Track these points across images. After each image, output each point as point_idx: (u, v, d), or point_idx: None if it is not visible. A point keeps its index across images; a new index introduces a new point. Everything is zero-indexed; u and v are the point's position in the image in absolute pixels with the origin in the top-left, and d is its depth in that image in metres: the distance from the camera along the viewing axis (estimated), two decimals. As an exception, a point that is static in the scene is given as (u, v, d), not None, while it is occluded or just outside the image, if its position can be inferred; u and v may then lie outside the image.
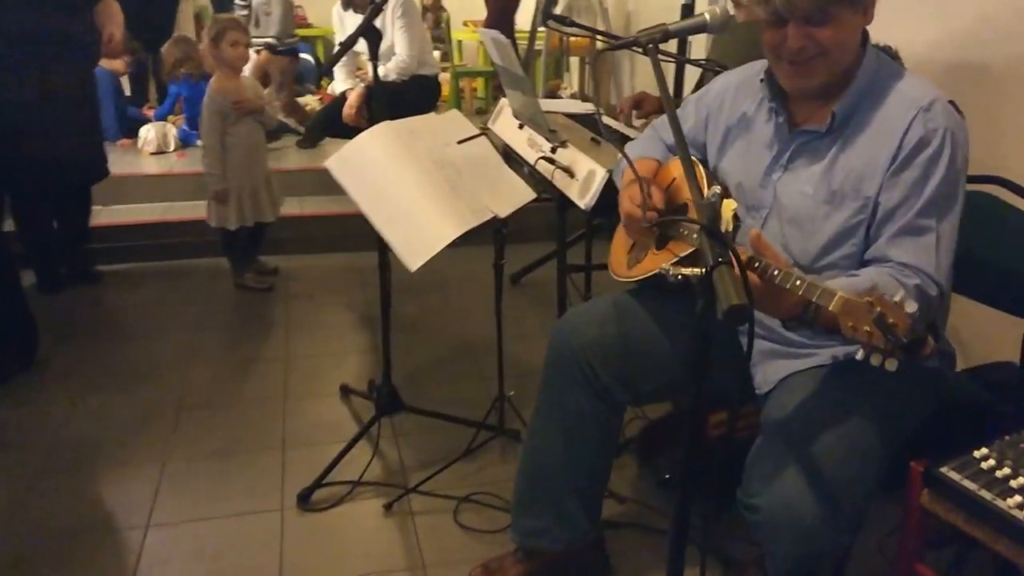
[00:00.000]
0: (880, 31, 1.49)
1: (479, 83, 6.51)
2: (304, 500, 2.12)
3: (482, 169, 2.01)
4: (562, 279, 2.33)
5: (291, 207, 3.94)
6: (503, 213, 1.96)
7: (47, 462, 2.31)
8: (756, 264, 1.18)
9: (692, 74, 3.22)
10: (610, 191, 2.01)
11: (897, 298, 1.00)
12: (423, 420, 2.42)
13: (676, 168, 1.65)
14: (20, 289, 2.86)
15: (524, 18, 5.41)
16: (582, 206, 2.05)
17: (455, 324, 3.22)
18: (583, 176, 2.11)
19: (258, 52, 4.94)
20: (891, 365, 0.98)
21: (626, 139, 2.35)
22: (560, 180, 2.20)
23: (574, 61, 6.18)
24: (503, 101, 2.86)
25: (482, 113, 5.94)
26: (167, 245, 3.85)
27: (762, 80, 1.53)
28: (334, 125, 3.99)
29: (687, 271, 0.90)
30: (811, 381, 1.43)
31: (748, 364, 1.03)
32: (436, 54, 5.77)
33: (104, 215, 3.93)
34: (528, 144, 2.51)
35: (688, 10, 3.46)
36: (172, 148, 4.65)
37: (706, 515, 2.01)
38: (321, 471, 2.18)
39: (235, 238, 3.44)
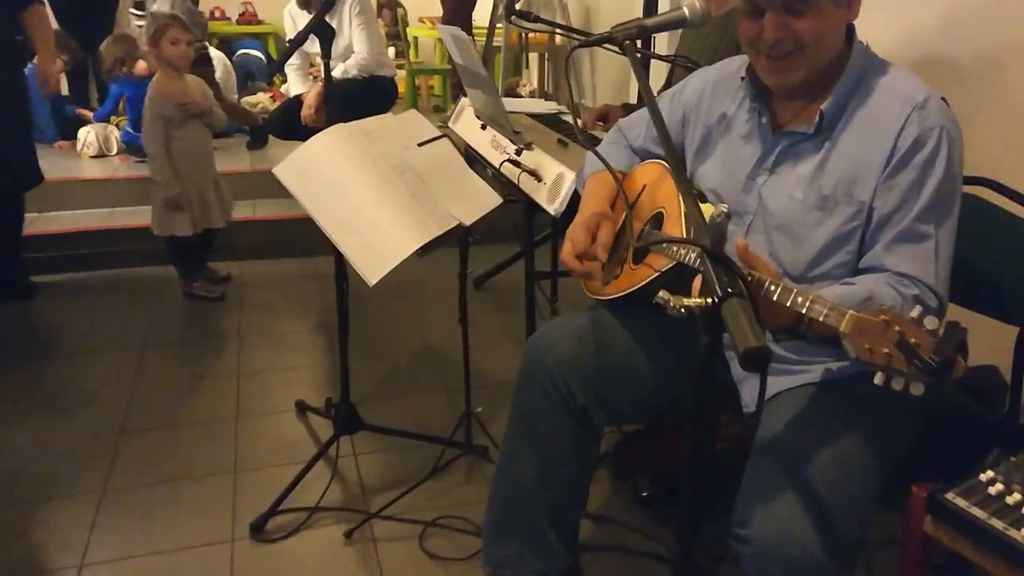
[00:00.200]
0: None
1: (436, 80, 6.36)
2: (257, 530, 1.97)
3: (445, 173, 1.88)
4: (530, 287, 2.21)
5: (243, 211, 3.77)
6: (468, 220, 1.83)
7: (-28, 497, 2.13)
8: (749, 279, 1.08)
9: (657, 71, 3.13)
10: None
11: (914, 314, 0.90)
12: (385, 439, 2.29)
13: (645, 174, 1.55)
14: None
15: (482, 14, 5.28)
16: (552, 212, 1.94)
17: (416, 333, 3.08)
18: (551, 180, 2.00)
19: None
20: (916, 390, 0.88)
21: (591, 142, 2.25)
22: (527, 184, 2.08)
23: (533, 58, 6.08)
24: (464, 100, 2.74)
25: (440, 111, 5.80)
26: (110, 253, 3.64)
27: (743, 78, 1.43)
28: (291, 127, 3.82)
29: (690, 302, 0.78)
30: (802, 400, 1.33)
31: (761, 406, 0.91)
32: (391, 51, 5.63)
33: (40, 223, 3.72)
34: (492, 145, 2.39)
35: (651, 4, 3.36)
36: (114, 151, 4.43)
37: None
38: (276, 497, 2.03)
39: (183, 246, 3.26)
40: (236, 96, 5.22)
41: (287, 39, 4.04)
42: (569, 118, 2.64)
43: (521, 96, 5.43)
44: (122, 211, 3.89)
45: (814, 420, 1.29)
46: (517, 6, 4.18)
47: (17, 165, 3.00)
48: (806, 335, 1.09)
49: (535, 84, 6.03)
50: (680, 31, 2.42)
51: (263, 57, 6.18)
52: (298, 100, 3.82)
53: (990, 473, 1.24)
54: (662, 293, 0.84)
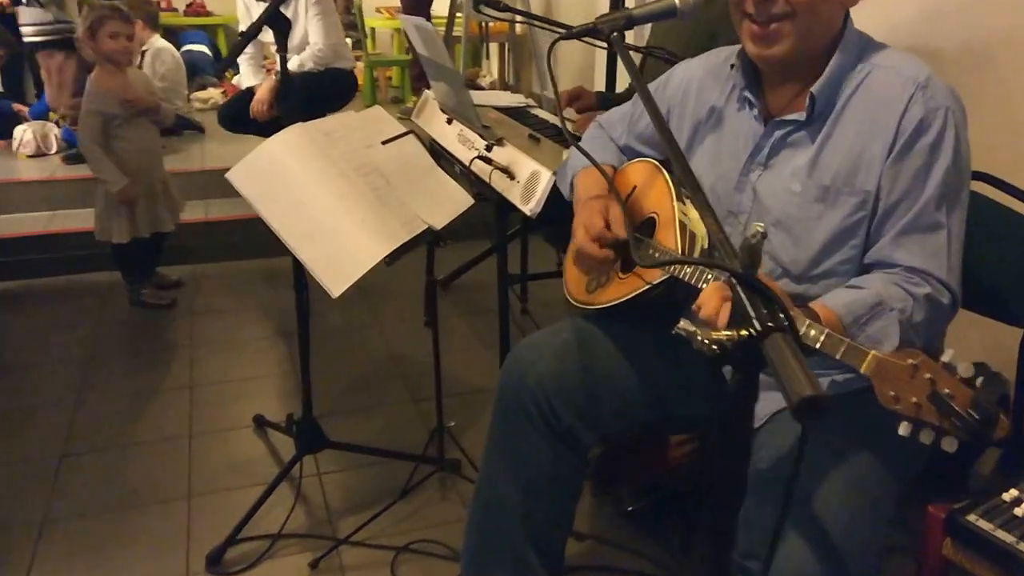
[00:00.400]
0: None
1: (394, 72, 6.19)
2: (215, 562, 1.82)
3: (411, 173, 1.75)
4: (503, 291, 2.09)
5: (194, 212, 3.58)
6: (438, 224, 1.70)
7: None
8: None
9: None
10: (560, 196, 1.79)
11: (945, 359, 0.80)
12: (351, 456, 2.15)
13: (635, 174, 1.43)
14: None
15: (441, 3, 5.13)
16: (527, 212, 1.81)
17: (381, 340, 2.93)
18: (525, 178, 1.87)
19: None
20: (949, 446, 0.79)
21: (576, 140, 2.13)
22: (499, 182, 1.96)
23: (493, 48, 5.94)
24: (427, 93, 2.60)
25: (398, 102, 5.63)
26: (50, 260, 3.42)
27: (733, 66, 1.32)
28: (241, 121, 3.63)
29: (720, 336, 0.66)
30: (809, 417, 1.23)
31: (802, 456, 0.80)
32: (348, 41, 5.44)
33: (-27, 228, 3.48)
34: (459, 140, 2.26)
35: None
36: (54, 150, 4.18)
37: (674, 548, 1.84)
38: (234, 524, 1.88)
39: (130, 251, 3.06)
40: (186, 91, 4.99)
41: (240, 30, 3.83)
42: (538, 111, 2.51)
43: (482, 88, 5.28)
44: (63, 214, 3.67)
45: (822, 441, 1.19)
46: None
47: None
48: (812, 351, 0.99)
49: (495, 75, 5.89)
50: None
51: (209, 52, 5.93)
52: (250, 92, 3.63)
53: (1014, 492, 1.16)
54: (683, 324, 0.72)
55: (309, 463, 2.13)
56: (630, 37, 3.40)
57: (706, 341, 0.67)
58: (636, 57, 2.42)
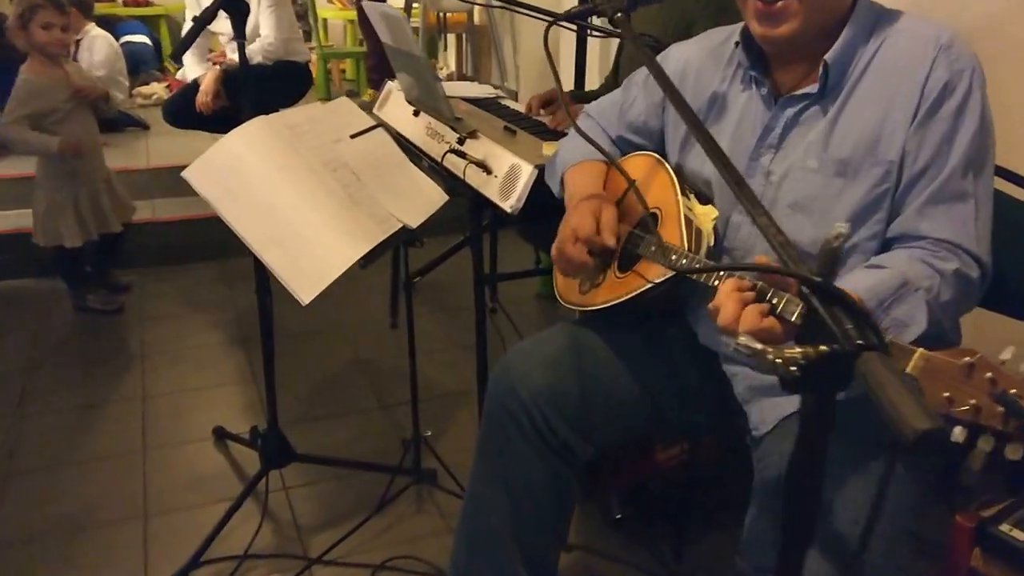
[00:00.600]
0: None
1: (348, 64, 6.02)
2: (177, 589, 1.70)
3: (383, 169, 1.64)
4: (480, 291, 1.99)
5: (141, 212, 3.38)
6: (414, 222, 1.60)
7: None
8: (774, 301, 0.90)
9: (593, 51, 2.93)
10: (537, 191, 1.70)
11: (1006, 356, 0.73)
12: (320, 469, 2.03)
13: (633, 168, 1.35)
14: None
15: (396, -7, 4.99)
16: (508, 209, 1.72)
17: (345, 343, 2.81)
18: (503, 172, 1.77)
19: None
20: (1014, 454, 0.72)
21: (549, 132, 2.04)
22: (474, 178, 1.85)
23: (451, 39, 5.82)
24: (391, 84, 2.48)
25: (353, 96, 5.47)
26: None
27: (737, 43, 1.24)
28: (187, 115, 3.45)
29: (793, 354, 0.56)
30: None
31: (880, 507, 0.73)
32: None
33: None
34: (428, 134, 2.15)
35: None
36: (-14, 145, 3.93)
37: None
38: (196, 546, 1.75)
39: (73, 257, 2.87)
40: (127, 83, 4.74)
41: (188, 18, 3.64)
42: (510, 103, 2.41)
43: (440, 80, 5.17)
44: (-2, 215, 3.45)
45: (839, 447, 1.11)
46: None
47: None
48: None
49: (452, 67, 5.77)
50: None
51: (150, 43, 5.67)
52: (196, 85, 3.45)
53: (1045, 500, 1.11)
54: (745, 340, 0.62)
55: (275, 477, 2.00)
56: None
57: (778, 360, 0.58)
58: (597, 48, 2.32)
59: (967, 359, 0.74)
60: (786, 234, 1.14)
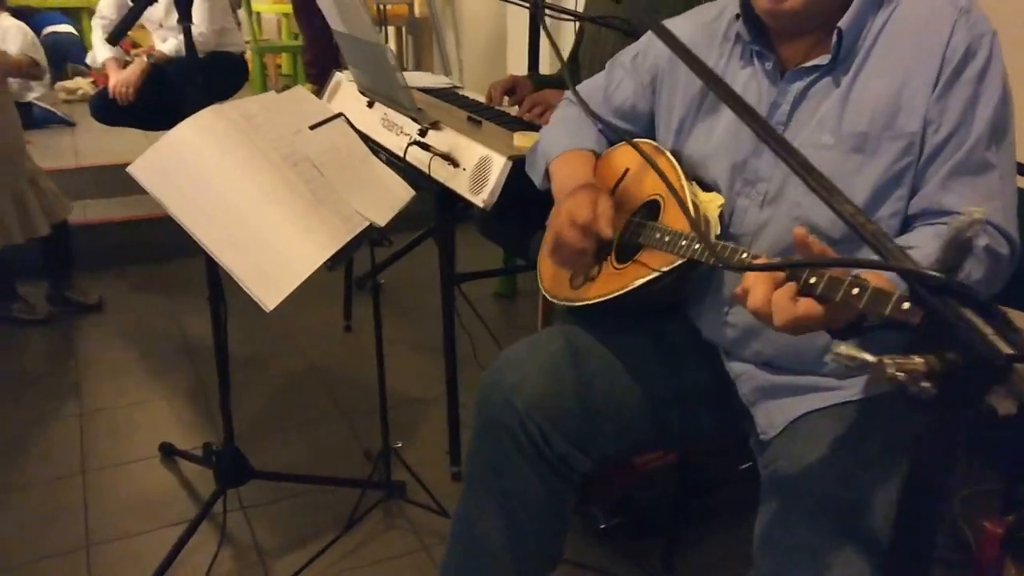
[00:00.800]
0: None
1: (284, 59, 5.82)
2: (128, 626, 1.55)
3: (347, 163, 1.52)
4: (449, 292, 1.89)
5: (72, 214, 3.16)
6: (381, 220, 1.48)
7: None
8: (812, 281, 0.83)
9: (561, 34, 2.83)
10: (512, 183, 1.60)
11: None
12: (280, 486, 1.90)
13: (625, 156, 1.26)
14: None
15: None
16: (480, 204, 1.62)
17: (296, 350, 2.66)
18: (472, 165, 1.68)
19: None
20: None
21: (515, 121, 1.94)
22: (440, 171, 1.75)
23: (391, 32, 5.67)
24: (340, 75, 2.35)
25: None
26: None
27: (737, 16, 1.16)
28: (118, 111, 3.23)
29: (916, 365, 0.47)
30: (835, 423, 1.09)
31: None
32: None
33: None
34: (383, 126, 2.03)
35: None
36: None
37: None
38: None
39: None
40: (48, 75, 4.46)
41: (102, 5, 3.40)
42: (468, 93, 2.31)
43: (400, 68, 5.01)
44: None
45: (855, 451, 1.06)
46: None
47: None
48: (874, 325, 0.84)
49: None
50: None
51: (76, 33, 5.37)
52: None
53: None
54: (846, 349, 0.53)
55: (232, 497, 1.86)
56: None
57: (900, 374, 0.48)
58: (571, 27, 2.23)
59: None
60: (802, 214, 1.10)
